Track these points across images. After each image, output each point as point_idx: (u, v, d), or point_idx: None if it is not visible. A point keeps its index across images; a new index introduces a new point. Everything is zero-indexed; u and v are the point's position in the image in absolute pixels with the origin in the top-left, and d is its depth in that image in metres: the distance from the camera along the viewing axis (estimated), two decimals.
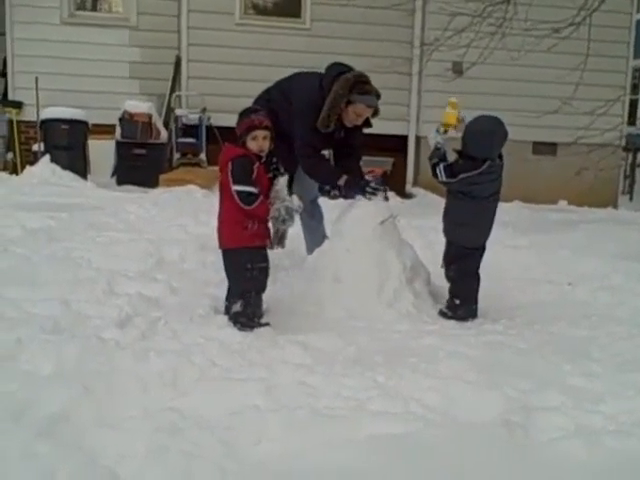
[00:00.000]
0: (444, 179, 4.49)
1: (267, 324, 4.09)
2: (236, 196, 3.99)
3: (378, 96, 4.82)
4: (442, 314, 4.51)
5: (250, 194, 3.99)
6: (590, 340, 4.20)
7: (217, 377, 3.21)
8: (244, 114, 4.14)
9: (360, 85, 4.74)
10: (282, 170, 4.17)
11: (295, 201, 4.13)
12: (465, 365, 3.51)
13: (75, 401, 2.83)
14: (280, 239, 4.35)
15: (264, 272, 4.14)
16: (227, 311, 4.14)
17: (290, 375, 3.25)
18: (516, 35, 8.76)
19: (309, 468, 2.53)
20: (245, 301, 4.07)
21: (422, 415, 2.94)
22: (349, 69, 4.92)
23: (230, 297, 4.15)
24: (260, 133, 4.06)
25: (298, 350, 3.59)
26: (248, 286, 4.10)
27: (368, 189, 4.68)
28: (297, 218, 4.24)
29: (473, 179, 4.39)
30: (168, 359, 3.31)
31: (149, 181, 9.70)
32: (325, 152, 5.21)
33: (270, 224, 4.24)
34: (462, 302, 4.50)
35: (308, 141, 4.89)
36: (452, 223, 4.54)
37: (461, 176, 4.40)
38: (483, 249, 4.55)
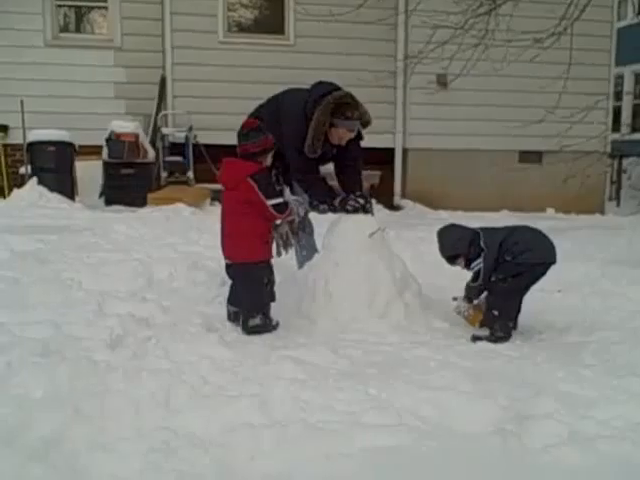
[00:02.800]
0: (478, 282, 4.41)
1: (277, 323, 4.38)
2: (272, 209, 4.25)
3: (362, 115, 4.83)
4: (475, 338, 4.32)
5: (282, 204, 4.32)
6: (582, 346, 4.21)
7: (210, 395, 3.19)
8: (258, 132, 4.32)
9: (342, 108, 4.74)
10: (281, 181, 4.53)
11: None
12: (458, 375, 3.50)
13: (67, 424, 2.81)
14: (286, 242, 4.69)
15: (274, 284, 4.40)
16: (243, 324, 4.31)
17: (283, 390, 3.24)
18: (499, 46, 8.84)
19: None
20: (264, 314, 4.32)
21: (416, 426, 2.94)
22: (333, 88, 4.89)
23: (248, 311, 4.31)
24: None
25: (290, 365, 3.58)
26: (266, 299, 4.33)
27: (348, 207, 4.73)
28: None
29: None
30: (160, 378, 3.29)
31: (137, 201, 9.68)
32: (328, 166, 5.27)
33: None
34: (500, 315, 4.33)
35: (299, 165, 4.92)
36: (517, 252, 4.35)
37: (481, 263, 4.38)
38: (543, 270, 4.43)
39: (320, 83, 4.99)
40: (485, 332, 4.36)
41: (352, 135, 4.92)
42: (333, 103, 4.72)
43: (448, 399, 3.19)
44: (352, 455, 2.69)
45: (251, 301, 4.31)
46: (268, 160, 4.36)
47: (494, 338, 4.28)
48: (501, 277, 4.35)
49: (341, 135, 4.87)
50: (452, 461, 2.71)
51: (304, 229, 5.39)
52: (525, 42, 8.53)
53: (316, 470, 2.60)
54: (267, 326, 4.31)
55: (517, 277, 4.35)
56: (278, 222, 4.54)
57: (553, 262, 4.38)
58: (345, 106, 4.76)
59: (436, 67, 9.28)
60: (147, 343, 3.84)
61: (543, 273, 4.38)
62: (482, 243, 4.38)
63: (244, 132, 4.31)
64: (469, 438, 2.88)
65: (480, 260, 4.36)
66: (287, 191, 4.50)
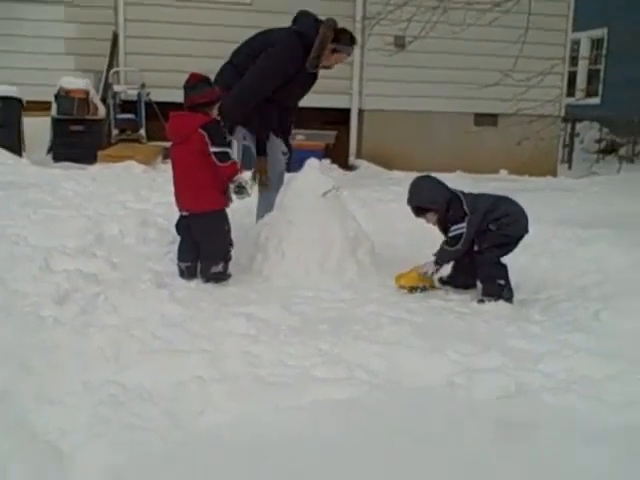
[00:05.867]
0: (457, 246, 4.31)
1: (230, 275, 4.45)
2: (214, 157, 4.25)
3: (354, 41, 5.21)
4: (482, 302, 4.21)
5: (226, 153, 4.31)
6: (531, 303, 4.30)
7: (159, 350, 3.17)
8: (205, 83, 4.35)
9: (344, 33, 5.07)
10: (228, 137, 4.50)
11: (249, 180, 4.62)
12: (408, 330, 3.54)
13: (14, 378, 2.77)
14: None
15: (230, 231, 4.49)
16: (204, 271, 4.38)
17: (234, 345, 3.23)
18: (458, 9, 8.80)
19: (253, 435, 2.52)
20: (226, 262, 4.41)
21: (367, 380, 2.96)
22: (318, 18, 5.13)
23: (210, 259, 4.38)
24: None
25: (242, 321, 3.57)
26: (228, 246, 4.45)
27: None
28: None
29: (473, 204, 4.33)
30: (109, 333, 3.26)
31: (87, 158, 9.45)
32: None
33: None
34: (506, 282, 4.30)
35: (260, 85, 4.99)
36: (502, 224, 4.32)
37: (460, 227, 4.30)
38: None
39: (305, 12, 5.21)
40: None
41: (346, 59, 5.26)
42: (334, 24, 5.00)
43: (399, 354, 3.22)
44: (303, 407, 2.70)
45: (215, 248, 4.39)
46: (214, 112, 4.37)
47: (505, 298, 4.24)
48: (486, 246, 4.31)
49: (337, 59, 5.14)
50: (402, 413, 2.73)
51: (277, 190, 5.34)
52: (484, 5, 8.52)
53: (266, 421, 2.61)
54: (227, 274, 4.41)
55: (502, 247, 4.34)
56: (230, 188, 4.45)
57: (527, 232, 4.43)
58: (345, 31, 5.09)
59: (394, 29, 9.19)
60: (96, 299, 3.78)
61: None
62: (465, 207, 4.30)
63: (191, 84, 4.32)
64: (419, 391, 2.92)
65: (463, 225, 4.27)
66: (235, 146, 4.50)
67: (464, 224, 4.29)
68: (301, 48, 5.01)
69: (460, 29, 9.41)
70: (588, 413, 2.72)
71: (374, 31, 9.54)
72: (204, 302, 3.93)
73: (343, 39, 5.06)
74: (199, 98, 4.28)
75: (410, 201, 4.44)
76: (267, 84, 5.00)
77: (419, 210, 4.44)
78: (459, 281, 4.52)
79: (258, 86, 4.98)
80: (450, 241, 4.35)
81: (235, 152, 4.54)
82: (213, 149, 4.26)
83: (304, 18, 5.16)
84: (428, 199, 4.40)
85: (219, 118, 4.44)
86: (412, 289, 4.42)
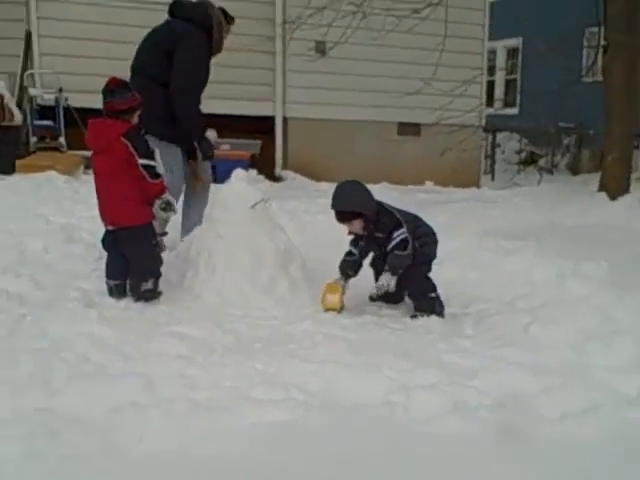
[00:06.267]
0: (408, 250, 4.26)
1: (161, 292, 4.34)
2: (144, 170, 4.11)
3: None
4: (415, 317, 4.27)
5: (154, 167, 4.18)
6: (461, 318, 4.37)
7: (91, 374, 3.08)
8: (124, 88, 4.19)
9: (225, 14, 5.33)
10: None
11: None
12: (343, 348, 3.54)
13: None
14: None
15: (160, 247, 4.43)
16: (133, 289, 4.26)
17: (168, 367, 3.17)
18: (377, 15, 8.92)
19: (192, 461, 2.48)
20: (156, 279, 4.28)
21: (304, 401, 2.95)
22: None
23: (140, 275, 4.24)
24: None
25: (175, 341, 3.51)
26: (158, 262, 4.32)
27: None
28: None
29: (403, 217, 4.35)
30: (37, 357, 3.14)
31: (4, 167, 9.08)
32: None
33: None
34: (436, 295, 4.36)
35: (202, 76, 5.12)
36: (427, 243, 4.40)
37: (401, 233, 4.28)
38: None
39: (178, 2, 5.40)
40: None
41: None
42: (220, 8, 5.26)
43: (335, 372, 3.22)
44: (239, 431, 2.68)
45: (143, 264, 4.25)
46: (135, 119, 4.22)
47: (437, 312, 4.30)
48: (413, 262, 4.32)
49: (225, 37, 5.32)
50: (340, 434, 2.73)
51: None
52: (402, 12, 8.66)
53: (206, 447, 2.57)
54: (157, 292, 4.29)
55: (427, 264, 4.41)
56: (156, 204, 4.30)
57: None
58: (225, 12, 5.35)
59: (315, 34, 9.24)
60: (22, 320, 3.65)
61: None
62: (399, 216, 4.29)
63: (110, 89, 4.15)
64: (356, 410, 2.92)
65: (403, 229, 4.23)
66: (157, 154, 4.26)
67: (404, 229, 4.25)
68: (206, 36, 5.14)
69: (379, 35, 9.55)
70: (525, 428, 2.78)
71: (295, 36, 9.56)
72: (135, 322, 3.85)
73: (227, 16, 5.32)
74: (120, 104, 4.12)
75: (338, 205, 4.29)
76: (203, 80, 5.14)
77: (346, 215, 4.31)
78: (390, 296, 4.54)
79: (199, 85, 5.11)
80: (398, 245, 4.26)
81: (160, 163, 4.37)
82: (142, 161, 4.11)
83: (189, 5, 5.32)
84: (360, 204, 4.27)
85: (141, 126, 4.30)
86: (340, 309, 4.38)
